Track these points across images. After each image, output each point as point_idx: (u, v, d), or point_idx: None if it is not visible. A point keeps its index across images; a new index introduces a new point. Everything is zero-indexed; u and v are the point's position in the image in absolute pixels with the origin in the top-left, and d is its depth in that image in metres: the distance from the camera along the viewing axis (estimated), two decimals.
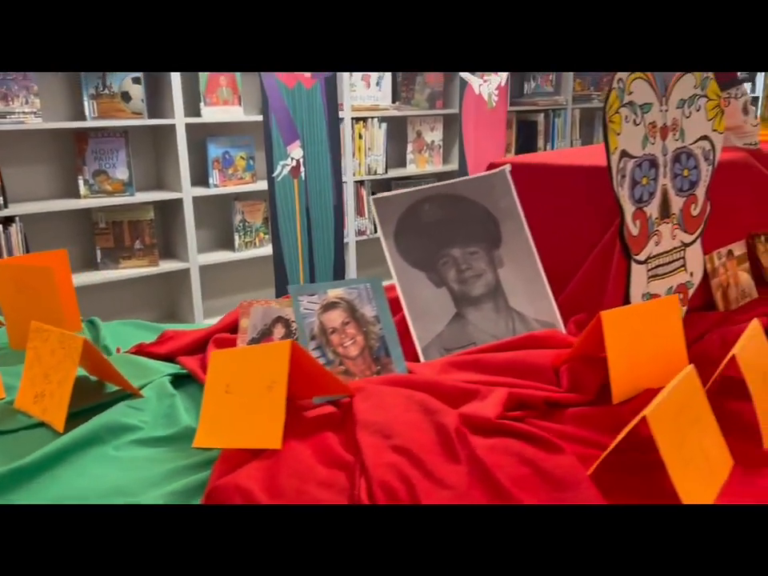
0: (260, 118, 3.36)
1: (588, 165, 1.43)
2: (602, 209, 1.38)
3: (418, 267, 1.30)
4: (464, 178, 1.37)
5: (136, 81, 3.25)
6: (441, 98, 4.44)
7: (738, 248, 1.59)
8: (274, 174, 2.98)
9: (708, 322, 1.38)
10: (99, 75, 3.23)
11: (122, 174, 3.29)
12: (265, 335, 1.15)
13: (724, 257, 1.54)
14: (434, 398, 1.02)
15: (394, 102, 4.25)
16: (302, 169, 3.07)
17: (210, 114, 3.51)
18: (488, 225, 1.36)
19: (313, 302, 1.12)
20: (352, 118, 3.93)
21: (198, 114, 3.44)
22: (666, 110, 1.34)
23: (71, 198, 3.18)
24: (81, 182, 3.21)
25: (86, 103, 3.15)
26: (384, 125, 4.11)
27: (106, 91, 3.26)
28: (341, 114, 3.89)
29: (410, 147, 4.41)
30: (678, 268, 1.43)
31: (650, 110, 1.30)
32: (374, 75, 4.35)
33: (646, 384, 1.08)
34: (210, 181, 3.52)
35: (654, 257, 1.36)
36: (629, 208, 1.29)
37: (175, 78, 3.21)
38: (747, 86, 1.71)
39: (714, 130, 1.44)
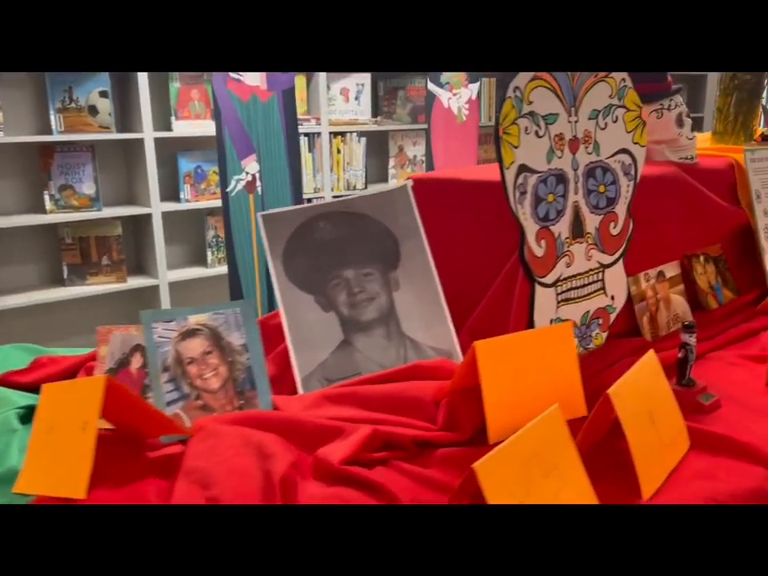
0: None
1: (498, 180, 1.33)
2: (513, 226, 1.28)
3: (306, 290, 1.21)
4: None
5: (103, 94, 3.20)
6: (423, 112, 4.35)
7: (671, 269, 1.48)
8: (228, 189, 2.90)
9: (624, 350, 1.28)
10: (65, 88, 3.18)
11: (88, 188, 3.23)
12: (122, 365, 1.06)
13: (653, 279, 1.44)
14: (282, 439, 0.92)
15: (374, 116, 4.18)
16: (258, 183, 2.99)
17: (182, 128, 3.44)
18: (387, 244, 1.27)
19: (169, 329, 1.03)
20: (330, 133, 3.87)
21: (169, 128, 3.38)
22: (576, 121, 1.24)
23: (37, 214, 3.12)
24: (47, 197, 3.15)
25: (52, 117, 3.10)
26: (363, 139, 4.04)
27: (73, 105, 3.21)
28: (318, 129, 3.82)
29: (391, 162, 4.34)
30: (596, 291, 1.33)
31: (556, 120, 1.21)
32: (353, 89, 4.28)
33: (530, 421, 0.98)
34: (182, 196, 3.46)
35: (565, 279, 1.26)
36: (531, 227, 1.19)
37: (144, 91, 3.16)
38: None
39: (636, 143, 1.34)
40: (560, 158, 1.22)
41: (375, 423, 0.99)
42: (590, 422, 0.89)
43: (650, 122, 1.56)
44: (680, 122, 1.54)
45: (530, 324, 1.21)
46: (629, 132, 1.32)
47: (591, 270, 1.31)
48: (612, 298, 1.36)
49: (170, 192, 3.45)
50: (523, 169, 1.16)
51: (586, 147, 1.27)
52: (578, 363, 1.05)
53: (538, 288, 1.21)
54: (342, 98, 4.23)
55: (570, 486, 0.79)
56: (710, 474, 0.91)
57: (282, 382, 1.16)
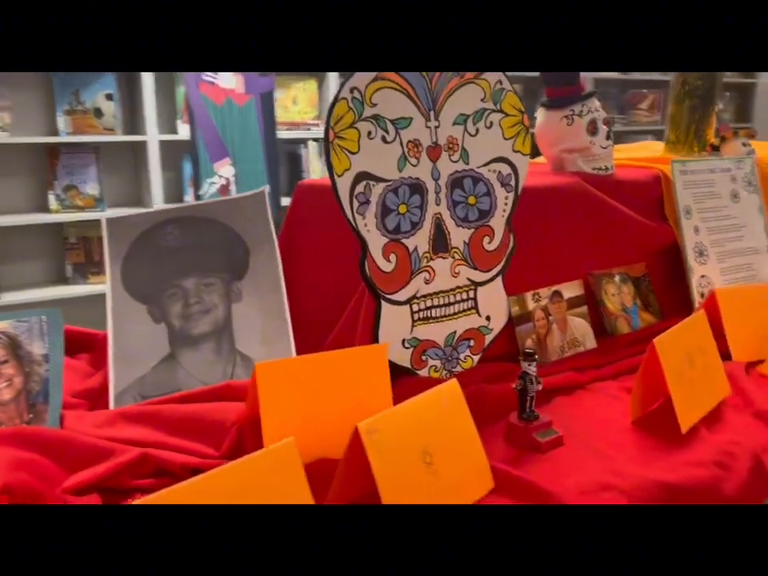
0: None
1: None
2: None
3: (140, 299, 1.15)
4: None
5: (108, 97, 3.24)
6: None
7: (572, 289, 1.36)
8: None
9: (483, 375, 1.17)
10: (73, 91, 3.23)
11: (92, 189, 3.28)
12: None
13: (545, 299, 1.32)
14: (43, 458, 0.86)
15: None
16: (233, 187, 2.96)
17: (187, 131, 3.42)
18: (237, 253, 1.20)
19: None
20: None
21: (175, 131, 3.37)
22: (437, 127, 1.15)
23: (42, 213, 3.18)
24: (52, 197, 3.21)
25: (59, 119, 3.16)
26: None
27: (79, 107, 3.25)
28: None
29: None
30: (467, 310, 1.22)
31: (410, 125, 1.11)
32: None
33: (325, 452, 0.89)
34: (186, 198, 3.46)
35: (424, 297, 1.17)
36: (377, 239, 1.10)
37: (149, 94, 3.19)
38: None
39: (517, 151, 1.23)
40: (415, 165, 1.13)
41: (158, 446, 0.92)
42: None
43: (560, 129, 1.44)
44: (593, 130, 1.42)
45: (375, 343, 1.12)
46: (507, 139, 1.22)
47: (459, 287, 1.21)
48: (487, 318, 1.25)
49: (175, 194, 3.46)
50: (364, 176, 1.07)
51: (451, 155, 1.17)
52: (390, 387, 0.96)
53: (385, 305, 1.12)
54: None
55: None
56: None
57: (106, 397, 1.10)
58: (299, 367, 0.91)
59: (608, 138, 1.44)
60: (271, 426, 0.87)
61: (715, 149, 1.69)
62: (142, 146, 3.27)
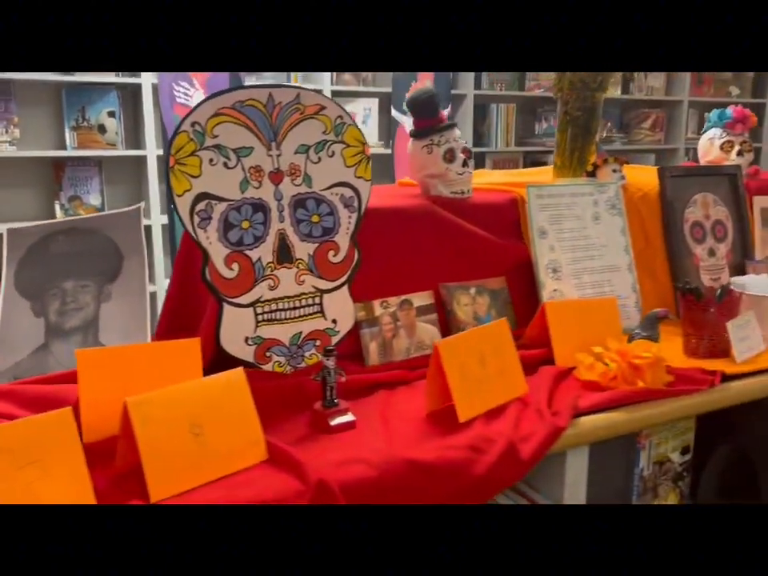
0: None
1: None
2: None
3: (27, 296, 1.35)
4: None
5: (111, 114, 3.51)
6: None
7: (421, 298, 1.53)
8: (173, 206, 3.09)
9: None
10: (79, 108, 3.50)
11: (95, 199, 3.56)
12: None
13: (394, 306, 1.49)
14: None
15: (384, 140, 4.26)
16: None
17: None
18: (111, 260, 1.40)
19: None
20: None
21: None
22: (279, 155, 1.33)
23: (47, 220, 3.44)
24: (57, 206, 3.49)
25: (66, 134, 3.43)
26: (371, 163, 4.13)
27: (85, 123, 3.52)
28: None
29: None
30: (313, 314, 1.40)
31: (251, 154, 1.30)
32: (360, 113, 4.43)
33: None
34: None
35: (268, 301, 1.35)
36: (219, 250, 1.29)
37: (149, 112, 3.45)
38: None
39: (359, 177, 1.41)
40: (257, 188, 1.31)
41: (7, 417, 1.11)
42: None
43: (422, 157, 1.62)
44: (449, 158, 1.59)
45: (217, 342, 1.31)
46: (349, 167, 1.40)
47: (305, 293, 1.39)
48: (334, 321, 1.43)
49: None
50: (205, 196, 1.26)
51: (293, 179, 1.35)
52: (201, 377, 1.14)
53: (227, 307, 1.31)
54: None
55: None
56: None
57: None
58: (117, 356, 1.09)
59: (464, 165, 1.60)
60: (88, 406, 1.06)
61: (591, 174, 1.84)
62: (142, 160, 3.53)
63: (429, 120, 1.59)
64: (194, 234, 1.26)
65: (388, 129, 4.18)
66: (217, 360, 1.31)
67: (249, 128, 1.29)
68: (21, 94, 3.33)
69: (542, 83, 4.85)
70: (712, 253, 1.91)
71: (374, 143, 4.20)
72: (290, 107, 1.32)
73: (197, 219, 1.26)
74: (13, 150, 3.28)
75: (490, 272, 1.64)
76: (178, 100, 3.17)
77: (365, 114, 4.42)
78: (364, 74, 4.33)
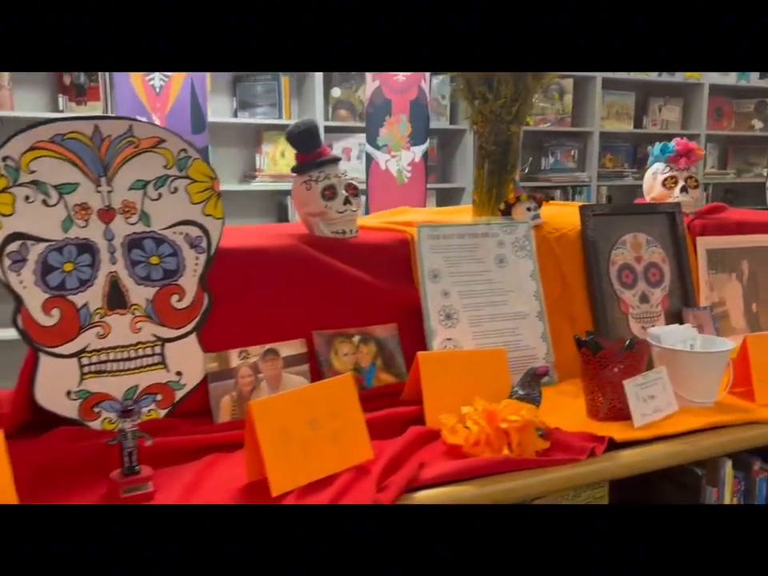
0: (231, 187, 3.68)
1: None
2: None
3: None
4: None
5: None
6: (433, 172, 4.33)
7: (291, 347, 1.40)
8: None
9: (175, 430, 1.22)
10: None
11: None
12: None
13: (256, 356, 1.36)
14: None
15: None
16: None
17: None
18: None
19: None
20: None
21: None
22: (110, 192, 1.22)
23: None
24: None
25: None
26: (364, 198, 4.08)
27: None
28: None
29: None
30: (153, 365, 1.28)
31: (76, 190, 1.20)
32: (355, 148, 4.37)
33: None
34: None
35: (97, 351, 1.23)
36: (35, 295, 1.18)
37: None
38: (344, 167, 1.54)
39: (208, 215, 1.29)
40: (83, 227, 1.21)
41: None
42: None
43: (302, 193, 1.49)
44: (329, 195, 1.46)
45: (31, 395, 1.19)
46: (195, 204, 1.28)
47: (142, 342, 1.27)
48: (178, 373, 1.30)
49: None
50: (18, 236, 1.16)
51: (127, 217, 1.24)
52: None
53: (44, 358, 1.20)
54: (344, 158, 4.26)
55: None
56: None
57: None
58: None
59: (347, 203, 1.48)
60: None
61: (505, 212, 1.69)
62: None
63: (307, 154, 1.47)
64: (2, 277, 1.16)
65: None
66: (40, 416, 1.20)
67: (73, 162, 1.19)
68: None
69: (548, 117, 4.73)
70: (644, 299, 1.73)
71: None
72: (121, 140, 1.22)
73: (7, 261, 1.16)
74: None
75: (379, 318, 1.50)
76: None
77: (360, 149, 4.35)
78: (360, 109, 4.28)
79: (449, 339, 1.50)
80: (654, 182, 1.94)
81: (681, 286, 1.78)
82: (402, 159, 3.70)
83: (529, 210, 1.67)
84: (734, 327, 1.86)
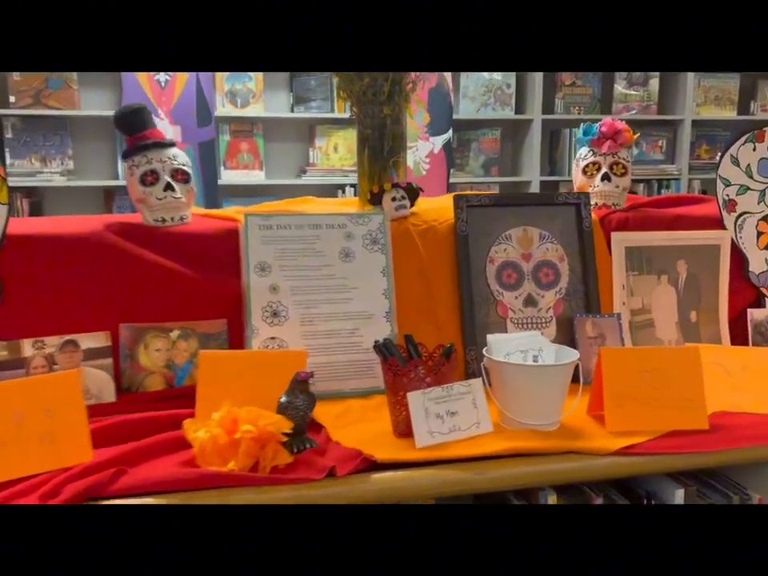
0: (285, 181, 3.77)
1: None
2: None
3: None
4: None
5: None
6: (497, 164, 4.18)
7: (94, 339, 1.34)
8: None
9: None
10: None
11: None
12: None
13: (53, 347, 1.32)
14: None
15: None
16: None
17: (230, 177, 3.71)
18: None
19: None
20: None
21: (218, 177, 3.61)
22: None
23: None
24: None
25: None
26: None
27: None
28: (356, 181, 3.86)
29: None
30: None
31: None
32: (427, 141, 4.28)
33: None
34: None
35: None
36: None
37: None
38: (172, 152, 1.45)
39: None
40: None
41: None
42: None
43: (127, 179, 1.44)
44: (149, 181, 1.39)
45: None
46: None
47: None
48: None
49: None
50: None
51: None
52: None
53: None
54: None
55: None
56: None
57: None
58: None
59: (167, 189, 1.40)
60: None
61: (373, 202, 1.54)
62: None
63: (131, 138, 1.42)
64: None
65: (450, 157, 3.92)
66: None
67: None
68: (78, 130, 3.49)
69: (630, 104, 4.36)
70: (531, 302, 1.51)
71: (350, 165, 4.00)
72: None
73: None
74: (64, 180, 3.39)
75: (208, 313, 1.42)
76: None
77: (431, 142, 4.22)
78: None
79: (272, 338, 1.38)
80: (576, 169, 1.70)
81: (583, 288, 1.54)
82: (418, 150, 3.54)
83: (394, 199, 1.51)
84: (661, 339, 1.58)
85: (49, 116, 3.34)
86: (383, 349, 1.19)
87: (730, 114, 4.40)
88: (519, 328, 1.50)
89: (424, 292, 1.49)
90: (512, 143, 4.25)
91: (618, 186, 1.63)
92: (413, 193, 1.54)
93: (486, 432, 1.18)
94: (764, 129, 1.66)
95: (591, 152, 1.67)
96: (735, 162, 1.64)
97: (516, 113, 4.11)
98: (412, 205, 1.56)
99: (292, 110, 3.84)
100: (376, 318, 1.43)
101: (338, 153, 4.13)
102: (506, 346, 1.27)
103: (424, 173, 3.57)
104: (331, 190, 3.88)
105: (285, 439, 1.08)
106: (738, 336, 1.61)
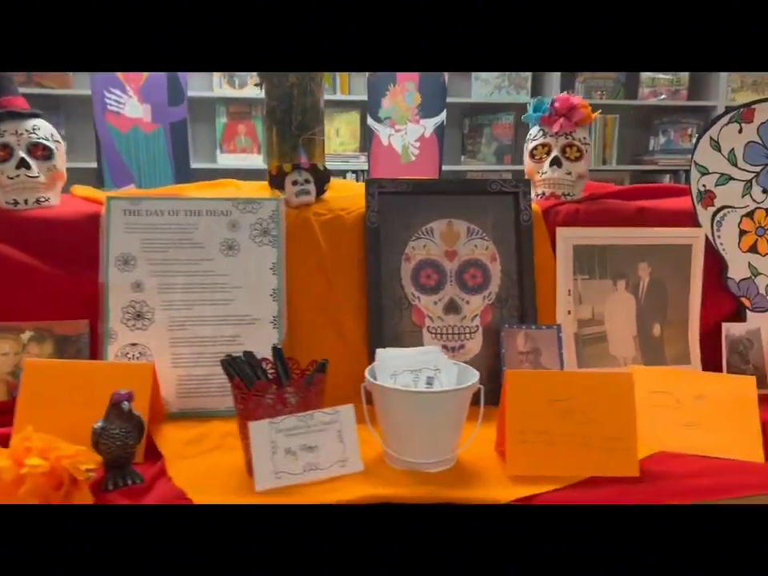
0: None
1: None
2: None
3: None
4: None
5: None
6: (510, 151, 3.93)
7: None
8: None
9: None
10: None
11: None
12: None
13: None
14: None
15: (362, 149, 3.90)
16: None
17: (227, 160, 3.53)
18: None
19: None
20: None
21: (214, 161, 3.48)
22: None
23: None
24: None
25: None
26: None
27: None
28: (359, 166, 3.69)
29: None
30: None
31: None
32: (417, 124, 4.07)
33: None
34: None
35: None
36: None
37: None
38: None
39: None
40: None
41: None
42: None
43: None
44: (4, 156, 1.19)
45: None
46: None
47: None
48: None
49: None
50: None
51: None
52: None
53: None
54: None
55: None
56: None
57: None
58: None
59: (21, 166, 1.20)
60: None
61: (274, 184, 1.32)
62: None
63: None
64: None
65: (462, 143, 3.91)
66: None
67: None
68: None
69: (658, 89, 4.03)
70: (453, 308, 1.27)
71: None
72: None
73: None
74: None
75: (68, 313, 1.22)
76: (110, 108, 3.04)
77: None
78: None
79: (133, 345, 1.18)
80: (526, 152, 1.45)
81: (518, 293, 1.29)
82: (408, 134, 3.29)
83: (295, 183, 1.28)
84: (615, 356, 1.33)
85: None
86: (230, 365, 0.97)
87: None
88: (437, 339, 1.26)
89: (325, 294, 1.26)
90: (528, 130, 3.97)
91: (570, 173, 1.37)
92: (320, 176, 1.31)
93: (355, 472, 0.95)
94: (753, 106, 1.38)
95: (541, 132, 1.41)
96: (716, 146, 1.37)
97: (532, 97, 3.83)
98: (322, 190, 1.33)
99: None
100: (261, 322, 1.21)
101: (339, 137, 3.92)
102: (394, 365, 1.04)
103: (413, 158, 3.31)
104: (336, 176, 3.68)
105: (87, 476, 0.87)
106: (712, 355, 1.35)
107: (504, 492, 0.92)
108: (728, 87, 3.90)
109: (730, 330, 1.34)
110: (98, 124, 2.96)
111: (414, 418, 0.97)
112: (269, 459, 0.92)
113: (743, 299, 1.37)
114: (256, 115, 3.65)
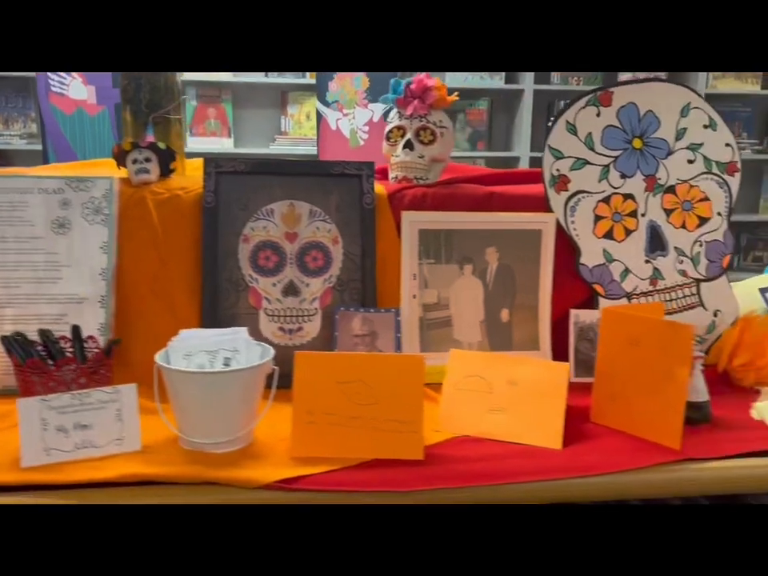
0: (254, 150, 3.60)
1: None
2: None
3: None
4: None
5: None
6: (484, 138, 3.90)
7: None
8: None
9: None
10: None
11: None
12: None
13: None
14: None
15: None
16: None
17: (196, 144, 3.53)
18: None
19: None
20: None
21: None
22: None
23: None
24: None
25: None
26: None
27: None
28: None
29: None
30: None
31: None
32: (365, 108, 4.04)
33: None
34: None
35: None
36: None
37: None
38: None
39: None
40: None
41: None
42: None
43: None
44: None
45: None
46: None
47: None
48: None
49: None
50: None
51: None
52: None
53: None
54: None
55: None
56: None
57: None
58: None
59: None
60: None
61: (119, 163, 1.31)
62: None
63: None
64: None
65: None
66: None
67: None
68: None
69: (638, 75, 3.93)
70: (292, 291, 1.27)
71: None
72: None
73: None
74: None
75: None
76: (53, 89, 3.03)
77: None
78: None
79: None
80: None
81: (360, 277, 1.28)
82: (356, 118, 3.27)
83: (135, 162, 1.28)
84: (459, 341, 1.32)
85: None
86: (9, 342, 0.97)
87: (752, 87, 3.86)
88: (274, 321, 1.25)
89: (159, 274, 1.26)
90: (503, 116, 3.93)
91: (422, 156, 1.36)
92: (164, 155, 1.30)
93: (132, 451, 0.95)
94: (610, 90, 1.36)
95: (398, 114, 1.40)
96: (572, 129, 1.35)
97: (506, 82, 3.78)
98: (168, 170, 1.32)
99: (266, 75, 3.62)
100: (89, 302, 1.21)
101: (310, 121, 3.91)
102: (190, 345, 1.03)
103: (362, 143, 3.30)
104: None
105: None
106: (563, 341, 1.34)
107: (272, 473, 0.92)
108: (708, 74, 3.79)
109: (580, 316, 1.32)
110: (42, 106, 2.97)
111: (195, 399, 0.97)
112: (38, 437, 0.91)
113: (596, 286, 1.35)
114: (226, 99, 3.66)
